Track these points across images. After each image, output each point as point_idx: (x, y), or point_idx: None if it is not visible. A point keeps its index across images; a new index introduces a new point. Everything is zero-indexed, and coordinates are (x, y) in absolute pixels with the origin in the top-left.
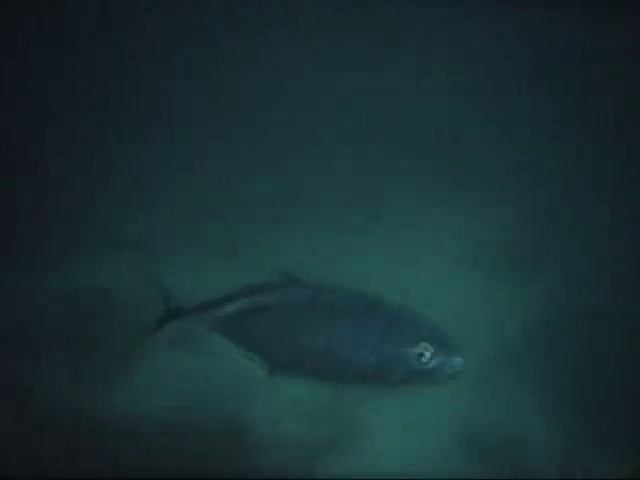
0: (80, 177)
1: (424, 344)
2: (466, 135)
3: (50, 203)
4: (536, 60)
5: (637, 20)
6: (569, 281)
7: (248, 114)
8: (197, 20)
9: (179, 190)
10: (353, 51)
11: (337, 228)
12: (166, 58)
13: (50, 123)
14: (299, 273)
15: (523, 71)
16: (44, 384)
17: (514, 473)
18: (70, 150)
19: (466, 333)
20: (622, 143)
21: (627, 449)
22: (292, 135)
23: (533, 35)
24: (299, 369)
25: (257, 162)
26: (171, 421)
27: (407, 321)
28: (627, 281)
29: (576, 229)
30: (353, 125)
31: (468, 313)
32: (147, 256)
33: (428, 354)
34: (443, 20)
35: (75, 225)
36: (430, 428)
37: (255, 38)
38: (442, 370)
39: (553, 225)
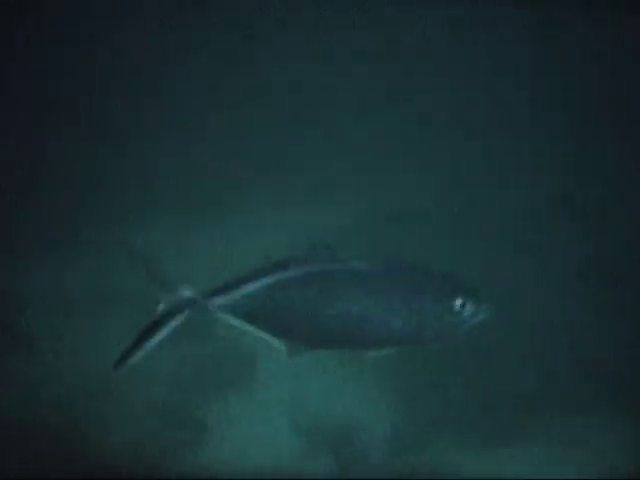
0: (81, 175)
1: (459, 296)
2: (466, 135)
3: (51, 200)
4: (536, 60)
5: (637, 20)
6: None
7: (245, 115)
8: (198, 18)
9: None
10: (352, 50)
11: None
12: (167, 58)
13: (49, 121)
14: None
15: (523, 71)
16: None
17: (359, 467)
18: (70, 144)
19: None
20: (622, 143)
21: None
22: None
23: (533, 35)
24: (329, 342)
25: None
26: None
27: (436, 277)
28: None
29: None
30: (352, 124)
31: None
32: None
33: (464, 305)
34: (443, 20)
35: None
36: (274, 425)
37: (255, 35)
38: (475, 318)
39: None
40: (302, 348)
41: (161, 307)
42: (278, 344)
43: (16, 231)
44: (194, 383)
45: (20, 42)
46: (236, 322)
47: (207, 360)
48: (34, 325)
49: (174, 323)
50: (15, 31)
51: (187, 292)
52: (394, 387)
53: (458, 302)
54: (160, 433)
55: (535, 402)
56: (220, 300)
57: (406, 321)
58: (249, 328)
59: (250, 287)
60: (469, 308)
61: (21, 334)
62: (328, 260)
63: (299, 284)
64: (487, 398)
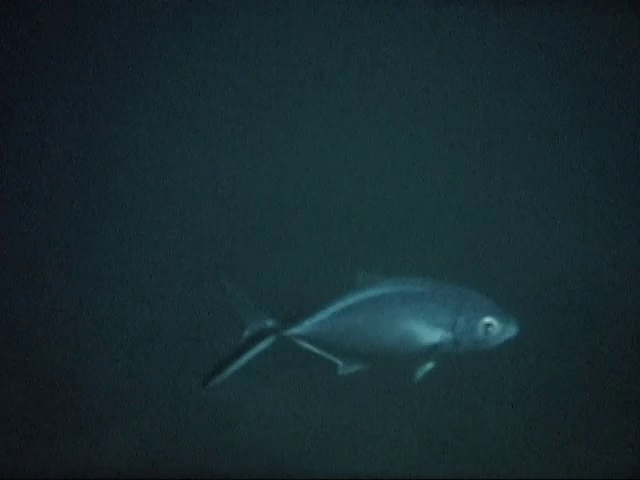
0: (84, 176)
1: (489, 316)
2: (466, 135)
3: (52, 200)
4: (536, 60)
5: (637, 20)
6: None
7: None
8: (197, 19)
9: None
10: (352, 51)
11: None
12: (167, 57)
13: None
14: None
15: (523, 71)
16: None
17: None
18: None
19: None
20: (621, 143)
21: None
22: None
23: (533, 35)
24: (381, 358)
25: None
26: None
27: (471, 299)
28: None
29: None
30: (352, 126)
31: None
32: None
33: (494, 324)
34: (443, 21)
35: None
36: None
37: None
38: (502, 336)
39: None
40: (357, 365)
41: (246, 333)
42: (337, 361)
43: None
44: None
45: (20, 42)
46: (309, 347)
47: None
48: None
49: (258, 348)
50: (15, 31)
51: (270, 322)
52: None
53: (487, 321)
54: None
55: None
56: (296, 330)
57: (444, 338)
58: (317, 351)
59: (319, 316)
60: (497, 327)
61: None
62: (379, 285)
63: (358, 310)
64: None
